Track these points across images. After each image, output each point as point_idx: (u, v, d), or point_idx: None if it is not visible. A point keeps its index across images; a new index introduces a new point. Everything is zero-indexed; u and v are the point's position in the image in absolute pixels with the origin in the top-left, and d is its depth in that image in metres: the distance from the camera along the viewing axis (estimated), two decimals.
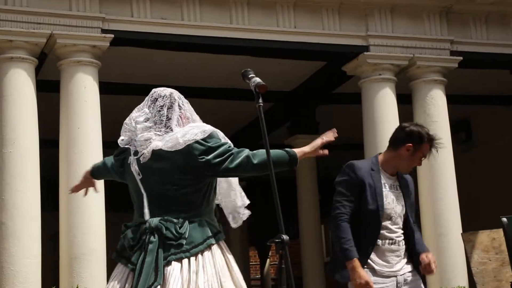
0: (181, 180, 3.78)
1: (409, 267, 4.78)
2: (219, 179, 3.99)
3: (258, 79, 3.80)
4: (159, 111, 3.88)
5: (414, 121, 10.07)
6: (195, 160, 3.74)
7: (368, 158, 4.92)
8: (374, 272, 4.65)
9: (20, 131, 8.48)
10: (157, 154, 3.80)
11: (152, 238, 3.72)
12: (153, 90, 4.00)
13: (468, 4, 10.52)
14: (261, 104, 3.74)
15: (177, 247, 3.70)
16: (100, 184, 8.64)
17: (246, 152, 3.79)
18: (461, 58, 10.38)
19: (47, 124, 8.83)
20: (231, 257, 3.85)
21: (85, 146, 8.64)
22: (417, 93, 10.40)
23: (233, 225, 4.07)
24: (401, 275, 4.73)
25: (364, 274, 4.54)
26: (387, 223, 4.71)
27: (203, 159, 3.74)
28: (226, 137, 3.95)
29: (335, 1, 9.94)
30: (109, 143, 9.67)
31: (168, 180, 3.79)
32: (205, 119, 4.12)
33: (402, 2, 10.24)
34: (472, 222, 10.29)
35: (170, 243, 3.71)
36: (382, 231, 4.69)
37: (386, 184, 4.77)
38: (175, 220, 3.74)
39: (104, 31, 9.01)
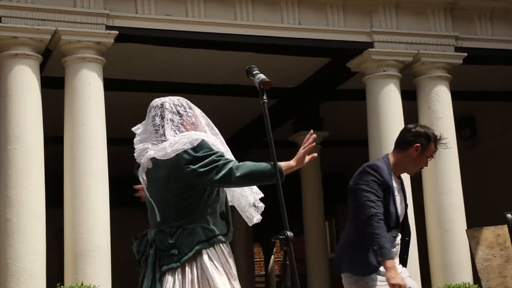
0: (176, 188, 3.86)
1: (400, 266, 4.82)
2: None
3: (262, 76, 3.81)
4: (153, 121, 3.99)
5: (419, 118, 10.16)
6: (182, 169, 3.82)
7: (379, 159, 4.88)
8: (378, 271, 4.66)
9: (24, 128, 8.48)
10: (155, 163, 3.90)
11: (150, 251, 3.87)
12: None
13: (472, 0, 10.51)
14: (266, 100, 3.75)
15: (170, 257, 3.80)
16: (105, 181, 8.71)
17: (231, 164, 3.81)
18: (465, 54, 10.37)
19: (51, 121, 8.83)
20: (220, 264, 3.85)
21: (89, 143, 8.65)
22: (422, 89, 10.38)
23: (254, 221, 4.10)
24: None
25: (399, 275, 4.58)
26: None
27: (189, 169, 3.80)
28: (224, 143, 4.01)
29: None
30: (114, 140, 9.69)
31: (165, 188, 3.88)
32: (209, 116, 4.14)
33: None
34: (477, 218, 10.27)
35: (165, 254, 3.81)
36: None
37: (395, 187, 4.81)
38: (167, 230, 3.84)
39: (108, 27, 9.01)
